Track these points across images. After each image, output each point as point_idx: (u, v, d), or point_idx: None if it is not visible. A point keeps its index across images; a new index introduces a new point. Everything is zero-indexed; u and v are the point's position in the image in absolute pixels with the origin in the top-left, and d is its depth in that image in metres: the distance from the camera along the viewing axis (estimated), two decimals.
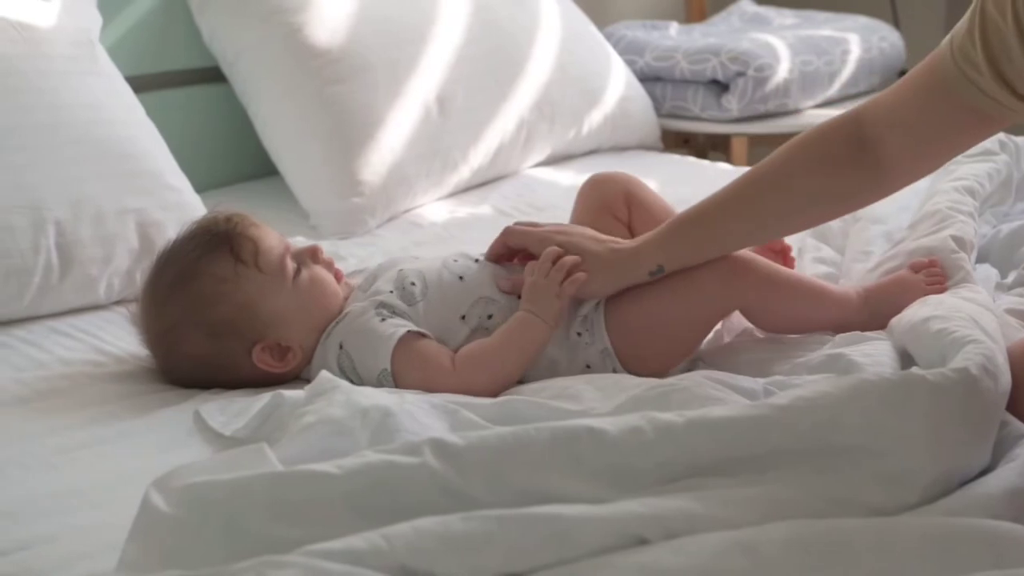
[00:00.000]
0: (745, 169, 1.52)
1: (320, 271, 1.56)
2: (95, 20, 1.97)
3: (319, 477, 1.06)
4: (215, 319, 1.48)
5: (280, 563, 0.97)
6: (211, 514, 1.04)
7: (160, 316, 1.51)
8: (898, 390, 1.13)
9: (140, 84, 2.08)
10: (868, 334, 1.47)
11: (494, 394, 1.42)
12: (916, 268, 1.59)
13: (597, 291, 1.50)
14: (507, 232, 1.57)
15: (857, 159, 1.42)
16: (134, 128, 1.89)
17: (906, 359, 1.42)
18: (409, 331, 1.46)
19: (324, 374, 1.32)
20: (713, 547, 1.01)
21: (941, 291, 1.54)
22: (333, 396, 1.25)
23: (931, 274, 1.57)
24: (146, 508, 1.06)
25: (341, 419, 1.21)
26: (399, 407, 1.23)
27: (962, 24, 1.35)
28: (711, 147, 3.08)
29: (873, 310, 1.53)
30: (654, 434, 1.10)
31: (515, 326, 1.47)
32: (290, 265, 1.52)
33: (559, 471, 1.09)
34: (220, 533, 1.04)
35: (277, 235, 1.56)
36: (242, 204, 1.73)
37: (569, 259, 1.49)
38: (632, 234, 1.64)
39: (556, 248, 1.50)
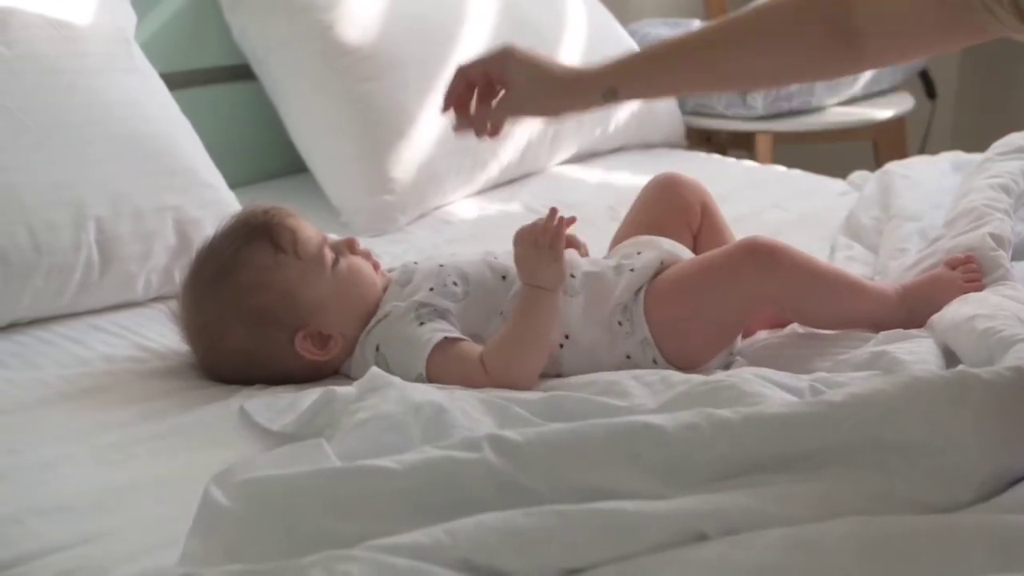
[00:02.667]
0: (770, 163, 1.53)
1: (358, 260, 1.57)
2: (130, 18, 1.99)
3: (379, 472, 1.07)
4: (256, 308, 1.49)
5: (346, 557, 0.98)
6: (271, 509, 1.05)
7: (201, 310, 1.52)
8: (953, 388, 1.13)
9: (171, 82, 2.08)
10: (910, 332, 1.48)
11: (533, 382, 1.44)
12: (953, 265, 1.59)
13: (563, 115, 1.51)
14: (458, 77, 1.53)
15: (835, 41, 1.40)
16: (170, 125, 1.90)
17: (948, 357, 1.43)
18: (445, 337, 1.46)
19: (375, 370, 1.33)
20: (772, 543, 1.02)
21: (979, 288, 1.55)
22: (386, 392, 1.26)
23: (968, 270, 1.58)
24: (207, 503, 1.07)
25: (395, 415, 1.21)
26: (451, 403, 1.24)
27: None
28: (732, 145, 3.09)
29: (911, 307, 1.53)
30: (711, 430, 1.11)
31: (524, 307, 1.47)
32: (328, 254, 1.53)
33: (616, 467, 1.09)
34: (280, 528, 1.05)
35: (314, 227, 1.57)
36: (272, 201, 1.74)
37: (552, 223, 1.47)
38: (696, 246, 1.66)
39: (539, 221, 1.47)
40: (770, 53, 1.43)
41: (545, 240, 1.47)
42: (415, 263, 1.60)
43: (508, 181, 2.40)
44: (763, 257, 1.50)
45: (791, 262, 1.51)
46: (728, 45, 1.45)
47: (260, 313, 1.49)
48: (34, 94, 1.73)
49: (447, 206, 2.27)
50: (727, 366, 1.55)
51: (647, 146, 2.70)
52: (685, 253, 1.62)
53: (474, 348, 1.47)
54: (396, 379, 1.30)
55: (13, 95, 1.70)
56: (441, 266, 1.56)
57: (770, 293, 1.53)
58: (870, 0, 1.39)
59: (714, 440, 1.10)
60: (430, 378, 1.45)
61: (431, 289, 1.52)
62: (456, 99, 1.53)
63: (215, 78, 2.33)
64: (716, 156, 2.75)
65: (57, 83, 1.76)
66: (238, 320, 1.49)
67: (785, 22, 1.43)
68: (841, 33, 1.39)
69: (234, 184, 2.07)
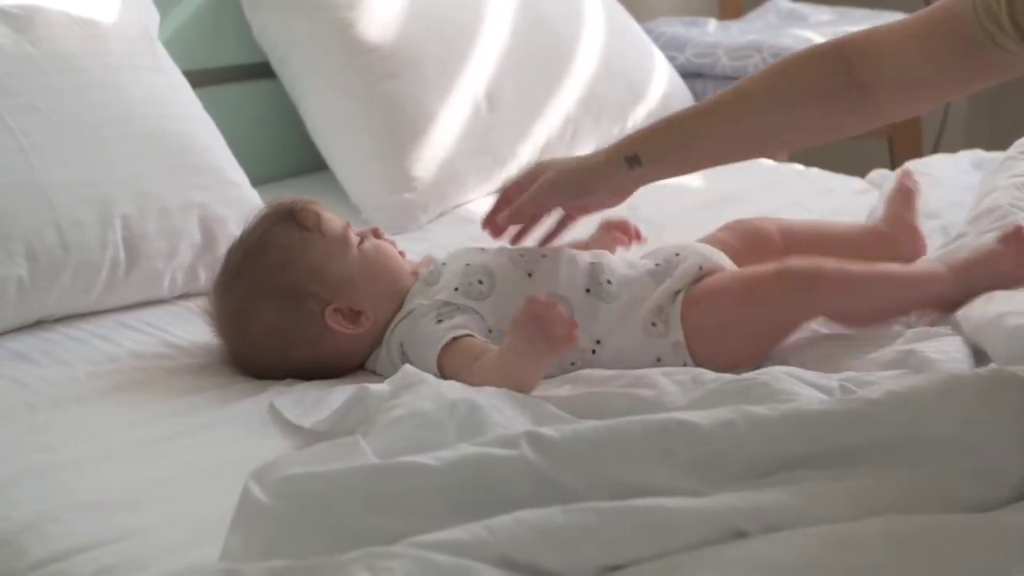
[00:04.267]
0: (786, 161, 1.54)
1: (383, 243, 1.59)
2: (153, 16, 1.99)
3: (417, 469, 1.07)
4: (285, 285, 1.50)
5: (387, 554, 0.98)
6: (312, 506, 1.06)
7: (230, 294, 1.53)
8: (989, 386, 1.13)
9: (191, 80, 2.08)
10: (937, 330, 1.48)
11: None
12: (1008, 240, 1.56)
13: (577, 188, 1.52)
14: (508, 212, 1.56)
15: (846, 96, 1.43)
16: (194, 123, 1.91)
17: (977, 355, 1.43)
18: (454, 337, 1.46)
19: (408, 367, 1.33)
20: (809, 540, 1.02)
21: None
22: (420, 389, 1.26)
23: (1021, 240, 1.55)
24: (246, 500, 1.08)
25: (430, 412, 1.22)
26: (485, 400, 1.25)
27: None
28: None
29: (966, 284, 1.51)
30: (746, 427, 1.11)
31: (511, 354, 1.38)
32: (353, 234, 1.55)
33: (652, 463, 1.10)
34: (321, 525, 1.05)
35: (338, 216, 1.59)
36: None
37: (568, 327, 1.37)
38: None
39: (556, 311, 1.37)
40: (782, 112, 1.46)
41: (553, 331, 1.35)
42: (444, 264, 1.61)
43: None
44: (801, 284, 1.50)
45: (829, 282, 1.51)
46: (742, 108, 1.48)
47: (289, 289, 1.50)
48: (60, 92, 1.73)
49: (467, 204, 2.28)
50: (757, 365, 1.55)
51: None
52: (725, 261, 1.61)
53: (478, 349, 1.45)
54: (429, 376, 1.31)
55: (40, 94, 1.71)
56: (467, 265, 1.57)
57: (814, 314, 1.54)
58: (867, 52, 1.42)
59: (750, 437, 1.11)
60: (443, 375, 1.45)
61: (456, 289, 1.53)
62: (494, 217, 1.59)
63: (235, 76, 2.34)
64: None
65: (83, 81, 1.77)
66: (267, 299, 1.50)
67: (794, 80, 1.46)
68: (849, 87, 1.42)
69: (253, 182, 2.08)
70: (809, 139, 1.58)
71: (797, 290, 1.50)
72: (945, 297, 1.52)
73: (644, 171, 1.50)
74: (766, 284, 1.51)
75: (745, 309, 1.51)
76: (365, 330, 1.52)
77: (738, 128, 1.48)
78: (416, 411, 1.22)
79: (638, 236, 1.74)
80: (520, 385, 1.36)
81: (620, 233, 1.73)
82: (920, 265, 1.60)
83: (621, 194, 1.55)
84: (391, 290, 1.54)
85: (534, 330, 1.35)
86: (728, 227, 1.72)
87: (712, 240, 1.67)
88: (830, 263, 1.54)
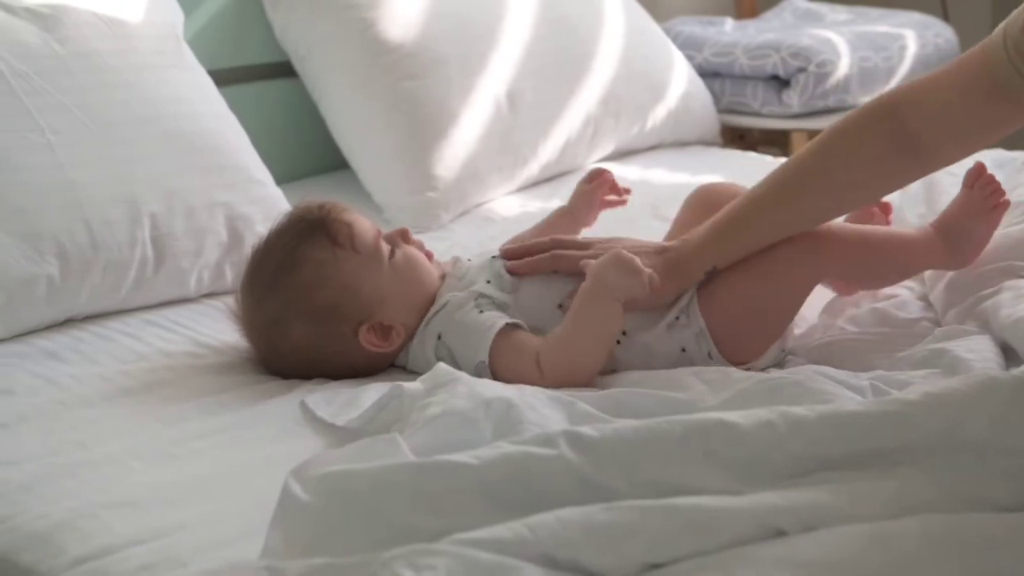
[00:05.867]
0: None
1: (413, 251, 1.58)
2: (178, 15, 1.99)
3: (458, 468, 1.07)
4: (319, 304, 1.50)
5: (430, 551, 0.99)
6: (352, 503, 1.06)
7: (263, 308, 1.52)
8: None
9: (213, 79, 2.09)
10: (967, 328, 1.49)
11: (590, 382, 1.45)
12: (969, 183, 1.59)
13: (661, 296, 1.50)
14: (556, 257, 1.55)
15: (897, 150, 1.46)
16: (219, 122, 1.91)
17: (1006, 354, 1.44)
18: (507, 323, 1.48)
19: (441, 366, 1.33)
20: (848, 539, 1.02)
21: (1005, 203, 1.58)
22: (455, 388, 1.26)
23: (985, 185, 1.59)
24: (286, 497, 1.08)
25: (466, 410, 1.22)
26: (520, 399, 1.25)
27: (1016, 19, 1.36)
28: (763, 143, 3.09)
29: (951, 245, 1.57)
30: (786, 428, 1.11)
31: (586, 307, 1.45)
32: (385, 246, 1.55)
33: (691, 463, 1.10)
34: (362, 522, 1.05)
35: (368, 221, 1.58)
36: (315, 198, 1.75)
37: (652, 251, 1.52)
38: None
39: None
40: (836, 179, 1.49)
41: (636, 263, 1.44)
42: (469, 259, 1.61)
43: (548, 178, 2.41)
44: (807, 243, 1.51)
45: (834, 241, 1.53)
46: (798, 191, 1.51)
47: (323, 309, 1.49)
48: (88, 91, 1.74)
49: (488, 203, 2.28)
50: (780, 364, 1.55)
51: (682, 144, 2.71)
52: None
53: (533, 341, 1.47)
54: (463, 374, 1.30)
55: (69, 92, 1.71)
56: (494, 257, 1.58)
57: (823, 273, 1.56)
58: (921, 105, 1.45)
59: (789, 437, 1.11)
60: (492, 365, 1.46)
61: (488, 281, 1.53)
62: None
63: (256, 75, 2.34)
64: (752, 154, 2.75)
65: (110, 80, 1.77)
66: (301, 317, 1.50)
67: (847, 153, 1.48)
68: (901, 142, 1.45)
69: (275, 181, 2.08)
70: (868, 202, 1.63)
71: (805, 251, 1.51)
72: (939, 255, 1.58)
73: (718, 272, 1.53)
74: (774, 252, 1.52)
75: (757, 281, 1.51)
76: (396, 347, 1.53)
77: (799, 208, 1.51)
78: (452, 409, 1.22)
79: (627, 191, 1.79)
80: (598, 339, 1.43)
81: (610, 193, 1.77)
82: (914, 232, 1.63)
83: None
84: (421, 300, 1.54)
85: (618, 265, 1.43)
86: (694, 205, 1.71)
87: (686, 224, 1.66)
88: (834, 225, 1.56)
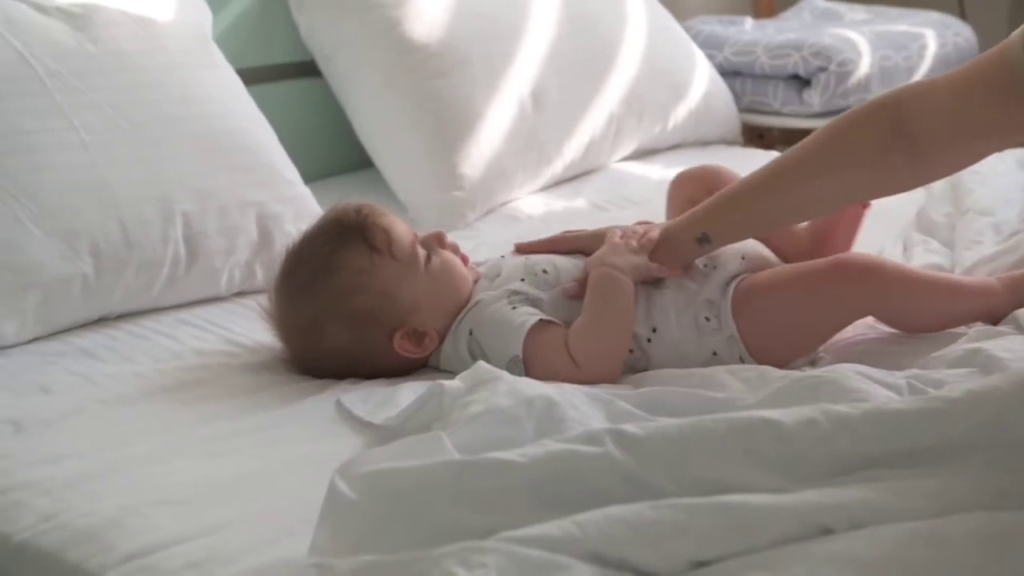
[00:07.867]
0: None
1: (449, 256, 1.59)
2: (207, 14, 2.00)
3: (504, 466, 1.08)
4: (356, 310, 1.50)
5: (480, 549, 0.99)
6: (401, 501, 1.06)
7: (299, 311, 1.53)
8: None
9: (239, 78, 2.10)
10: (1000, 328, 1.49)
11: (615, 372, 1.47)
12: None
13: (662, 267, 1.54)
14: (555, 239, 1.63)
15: (898, 151, 1.44)
16: (248, 122, 1.92)
17: None
18: (540, 319, 1.48)
19: (481, 364, 1.33)
20: (897, 537, 1.03)
21: None
22: (496, 386, 1.27)
23: None
24: (333, 495, 1.08)
25: (508, 408, 1.22)
26: (560, 397, 1.25)
27: None
28: (782, 142, 3.09)
29: (1017, 299, 1.53)
30: (829, 426, 1.12)
31: (597, 292, 1.49)
32: (421, 252, 1.55)
33: (736, 462, 1.10)
34: (410, 520, 1.06)
35: (404, 224, 1.59)
36: (341, 198, 1.75)
37: (641, 227, 1.56)
38: None
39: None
40: (834, 178, 1.48)
41: (634, 240, 1.51)
42: (502, 256, 1.62)
43: (572, 177, 2.41)
44: (855, 277, 1.50)
45: (884, 279, 1.51)
46: (796, 176, 1.50)
47: (360, 315, 1.50)
48: (121, 90, 1.74)
49: (514, 202, 2.29)
50: (813, 363, 1.56)
51: (704, 143, 2.71)
52: (763, 249, 1.63)
53: (565, 335, 1.49)
54: (504, 373, 1.31)
55: (102, 91, 1.72)
56: (528, 258, 1.58)
57: (866, 310, 1.54)
58: (923, 106, 1.43)
59: (833, 435, 1.11)
60: (526, 360, 1.46)
61: (522, 280, 1.54)
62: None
63: (282, 74, 2.35)
64: (775, 153, 2.74)
65: (141, 79, 1.78)
66: (338, 323, 1.50)
67: (845, 144, 1.47)
68: (900, 148, 1.43)
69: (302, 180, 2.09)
70: (863, 199, 1.61)
71: (851, 282, 1.51)
72: (996, 310, 1.54)
73: (711, 246, 1.55)
74: (820, 276, 1.52)
75: (799, 302, 1.51)
76: (429, 352, 1.54)
77: (793, 197, 1.51)
78: (494, 407, 1.22)
79: None
80: (617, 317, 1.47)
81: None
82: (975, 278, 1.61)
83: (687, 267, 1.57)
84: (455, 306, 1.55)
85: (610, 245, 1.51)
86: (685, 183, 1.73)
87: (681, 203, 1.67)
88: (887, 261, 1.55)
